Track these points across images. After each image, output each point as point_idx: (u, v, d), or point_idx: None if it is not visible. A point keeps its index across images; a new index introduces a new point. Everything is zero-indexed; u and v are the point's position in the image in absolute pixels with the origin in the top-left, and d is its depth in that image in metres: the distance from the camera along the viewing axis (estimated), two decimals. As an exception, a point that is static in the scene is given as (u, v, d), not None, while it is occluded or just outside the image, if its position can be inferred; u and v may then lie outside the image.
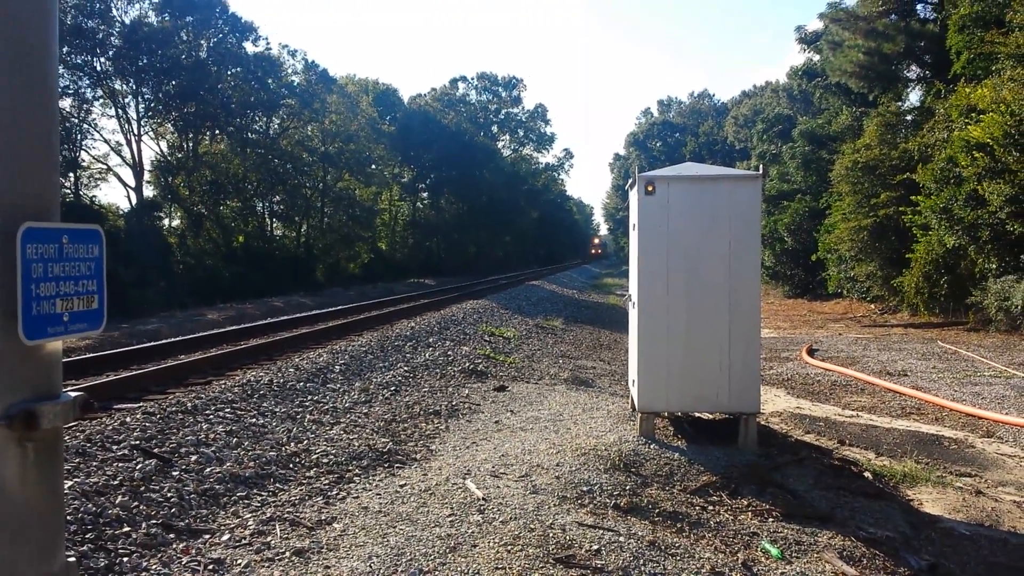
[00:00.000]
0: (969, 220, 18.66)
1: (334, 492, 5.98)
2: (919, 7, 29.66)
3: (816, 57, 39.53)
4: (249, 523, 5.20)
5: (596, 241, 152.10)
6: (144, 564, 4.49)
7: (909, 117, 28.24)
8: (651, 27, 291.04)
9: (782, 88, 57.29)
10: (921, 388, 11.25)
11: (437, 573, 4.33)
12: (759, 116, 54.69)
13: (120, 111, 34.28)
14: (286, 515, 5.37)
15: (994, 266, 18.59)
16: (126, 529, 4.84)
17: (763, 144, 46.39)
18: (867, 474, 7.21)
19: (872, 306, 26.80)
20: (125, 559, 4.51)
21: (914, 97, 31.13)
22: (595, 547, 4.75)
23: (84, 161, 33.68)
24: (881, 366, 13.51)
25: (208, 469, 6.08)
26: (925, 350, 15.56)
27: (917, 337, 18.07)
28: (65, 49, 30.36)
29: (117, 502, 5.14)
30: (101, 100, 33.85)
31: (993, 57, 20.64)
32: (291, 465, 6.58)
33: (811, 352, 15.57)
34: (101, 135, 38.43)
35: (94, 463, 5.76)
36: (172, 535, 4.93)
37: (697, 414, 8.60)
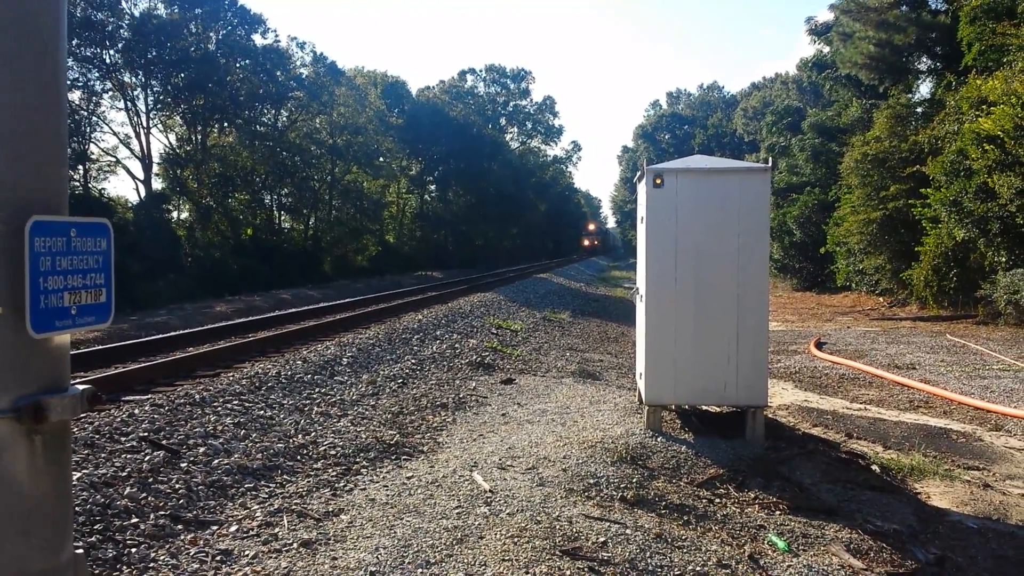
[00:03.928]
0: (979, 213, 18.55)
1: (341, 484, 6.00)
2: (930, -2, 29.47)
3: (826, 49, 39.32)
4: (257, 514, 5.23)
5: (592, 228, 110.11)
6: (152, 555, 4.52)
7: (919, 109, 28.06)
8: (659, 19, 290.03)
9: (792, 80, 57.15)
10: (929, 381, 11.21)
11: (444, 565, 4.35)
12: (768, 108, 54.45)
13: (129, 104, 34.31)
14: (294, 507, 5.40)
15: (1004, 259, 18.49)
16: (134, 520, 4.87)
17: (772, 136, 46.16)
18: (875, 467, 7.20)
19: (881, 299, 26.68)
20: (133, 550, 4.54)
21: (925, 89, 30.94)
22: (602, 539, 4.76)
23: (93, 154, 33.70)
24: (889, 359, 13.46)
25: (216, 461, 6.11)
26: (934, 343, 15.50)
27: (926, 330, 18.00)
28: (74, 42, 30.38)
29: (125, 493, 5.17)
30: (110, 93, 33.87)
31: (1004, 49, 20.49)
32: (299, 457, 6.60)
33: (819, 345, 15.52)
34: (110, 128, 38.48)
35: (103, 455, 5.79)
36: (180, 526, 4.95)
37: (704, 407, 8.59)
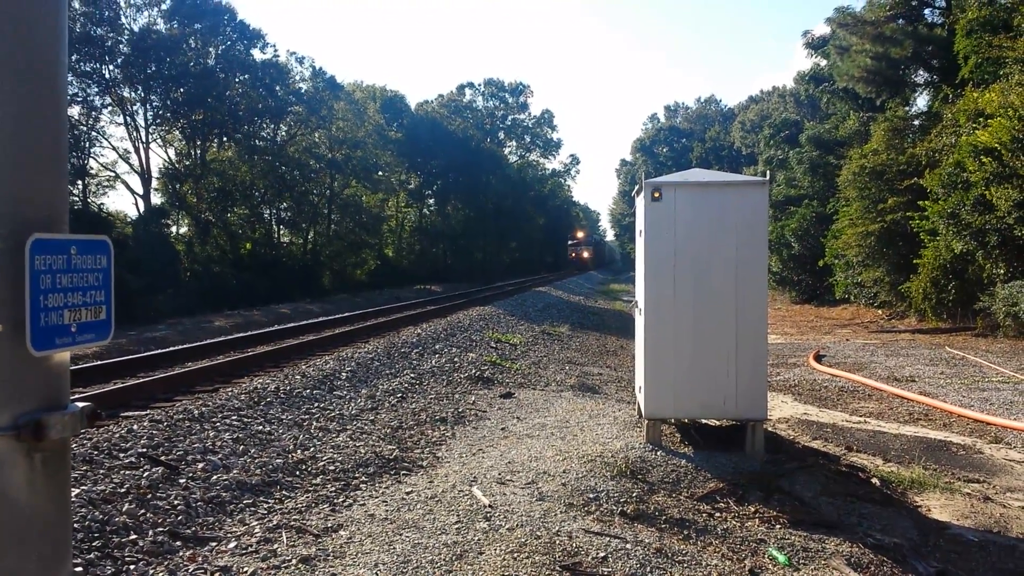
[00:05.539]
0: (977, 225, 18.58)
1: (340, 499, 5.99)
2: (927, 11, 29.60)
3: (823, 62, 39.49)
4: (256, 530, 5.21)
5: (580, 236, 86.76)
6: (151, 572, 4.50)
7: (917, 122, 28.14)
8: (657, 32, 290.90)
9: (789, 93, 57.39)
10: (929, 394, 11.20)
11: (443, 581, 4.33)
12: (766, 121, 54.63)
13: (128, 119, 34.47)
14: (292, 522, 5.38)
15: (1002, 271, 18.51)
16: (133, 537, 4.86)
17: (770, 149, 46.27)
18: (875, 480, 7.18)
19: (879, 312, 26.68)
20: (132, 567, 4.52)
21: (921, 102, 31.10)
22: (602, 554, 4.74)
23: (92, 169, 33.86)
24: (889, 372, 13.45)
25: (215, 477, 6.09)
26: (933, 356, 15.50)
27: (925, 343, 17.99)
28: (74, 57, 30.54)
29: (124, 510, 5.16)
30: (110, 108, 34.06)
31: (1001, 61, 20.59)
32: (297, 472, 6.58)
33: (818, 358, 15.52)
34: (109, 143, 38.80)
35: (101, 471, 5.78)
36: (179, 543, 4.94)
37: (704, 421, 8.57)
